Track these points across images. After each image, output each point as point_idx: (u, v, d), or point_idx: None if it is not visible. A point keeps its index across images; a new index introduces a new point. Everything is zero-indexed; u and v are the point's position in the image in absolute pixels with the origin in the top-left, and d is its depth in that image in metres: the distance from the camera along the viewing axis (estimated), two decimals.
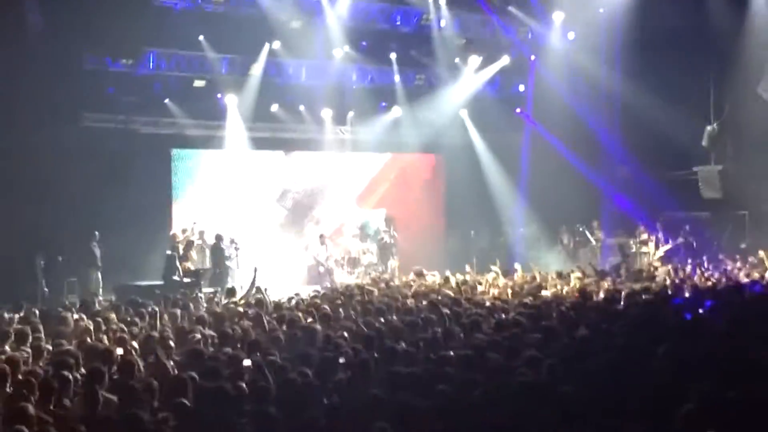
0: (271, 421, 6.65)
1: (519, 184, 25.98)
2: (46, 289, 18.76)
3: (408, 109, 25.69)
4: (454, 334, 10.33)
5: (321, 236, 24.03)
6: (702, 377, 7.04)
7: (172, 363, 9.25)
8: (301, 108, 24.63)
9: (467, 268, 19.74)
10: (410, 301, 14.07)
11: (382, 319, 11.85)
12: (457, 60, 25.47)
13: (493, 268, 18.56)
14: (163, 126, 23.05)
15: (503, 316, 11.94)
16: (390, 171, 27.40)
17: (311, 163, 26.20)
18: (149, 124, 22.81)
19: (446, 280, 17.58)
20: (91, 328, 11.45)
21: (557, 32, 25.07)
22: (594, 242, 24.33)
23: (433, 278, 18.52)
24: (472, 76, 25.83)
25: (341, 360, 8.61)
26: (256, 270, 17.49)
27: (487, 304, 13.63)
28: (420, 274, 18.75)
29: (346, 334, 10.37)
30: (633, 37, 23.04)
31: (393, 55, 24.68)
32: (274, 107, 24.11)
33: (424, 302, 13.60)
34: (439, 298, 14.26)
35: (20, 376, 8.30)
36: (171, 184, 23.91)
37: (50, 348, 10.01)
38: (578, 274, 17.55)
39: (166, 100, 22.71)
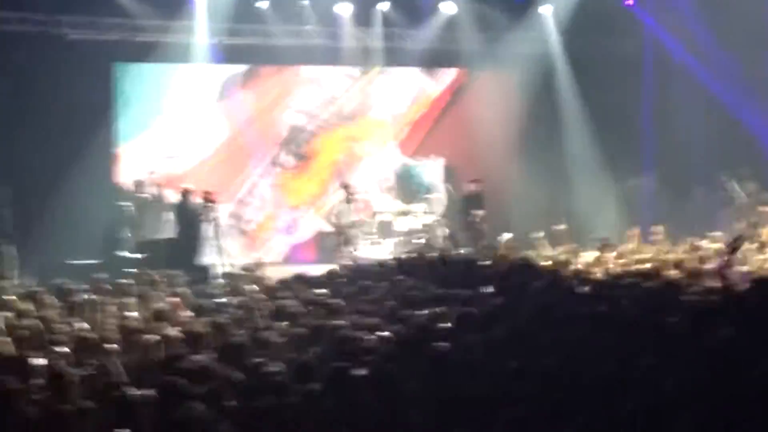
0: None
1: (633, 116, 25.78)
2: None
3: (464, 3, 25.61)
4: None
5: (347, 188, 24.05)
6: None
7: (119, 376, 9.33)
8: (305, 2, 24.62)
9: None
10: None
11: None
12: None
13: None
14: (103, 30, 23.18)
15: None
16: (442, 98, 27.42)
17: (331, 80, 26.29)
18: (81, 26, 22.94)
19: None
20: (2, 325, 11.59)
21: None
22: (744, 198, 24.12)
23: None
24: None
25: (362, 372, 8.65)
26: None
27: None
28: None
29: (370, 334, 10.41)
30: None
31: None
32: (263, 3, 24.10)
33: None
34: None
35: None
36: (114, 115, 24.03)
37: None
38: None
39: None
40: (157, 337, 10.72)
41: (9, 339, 10.93)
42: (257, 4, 24.18)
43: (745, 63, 23.72)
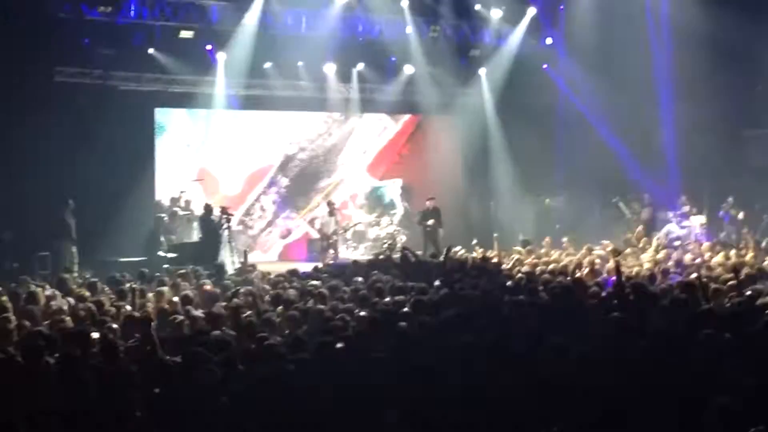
0: (269, 413, 6.71)
1: (547, 150, 25.81)
2: (15, 265, 18.72)
3: (422, 66, 25.58)
4: None
5: (330, 204, 23.93)
6: None
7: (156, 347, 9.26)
8: (300, 63, 24.51)
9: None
10: None
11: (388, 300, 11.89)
12: (477, 7, 25.32)
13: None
14: (146, 82, 23.03)
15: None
16: (403, 135, 27.40)
17: (314, 125, 26.26)
18: (129, 79, 22.77)
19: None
20: (65, 307, 11.51)
21: None
22: (629, 216, 24.19)
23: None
24: (493, 29, 25.78)
25: (339, 345, 8.64)
26: (246, 253, 17.55)
27: None
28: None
29: (347, 317, 10.39)
30: None
31: (404, 3, 24.49)
32: (268, 65, 24.02)
33: None
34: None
35: None
36: (154, 148, 23.89)
37: (18, 329, 10.04)
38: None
39: (150, 50, 22.61)
40: (184, 317, 10.71)
41: (69, 318, 10.88)
42: (264, 65, 24.00)
43: (625, 111, 23.73)
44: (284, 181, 25.89)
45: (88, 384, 7.68)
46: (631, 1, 24.03)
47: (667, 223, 23.25)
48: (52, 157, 20.26)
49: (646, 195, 23.85)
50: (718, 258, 16.26)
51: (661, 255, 17.48)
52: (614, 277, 12.57)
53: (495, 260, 17.31)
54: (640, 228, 22.19)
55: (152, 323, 9.64)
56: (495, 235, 20.23)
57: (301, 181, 26.07)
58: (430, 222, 23.36)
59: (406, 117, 27.38)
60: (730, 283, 12.04)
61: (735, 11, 21.80)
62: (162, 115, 24.22)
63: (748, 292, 11.24)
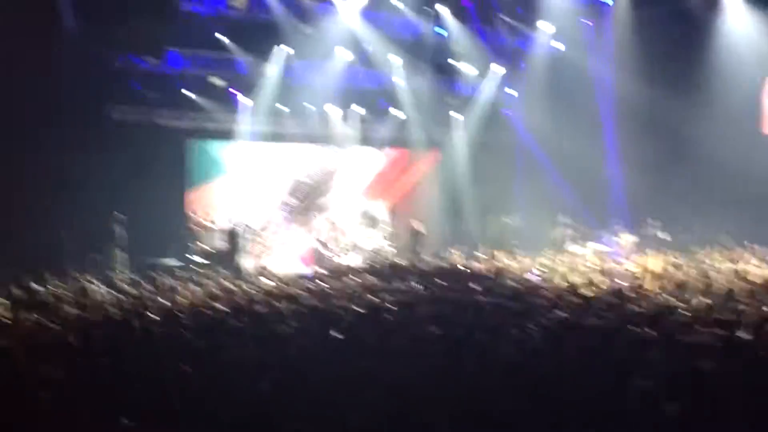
0: (271, 393, 6.69)
1: (508, 180, 25.91)
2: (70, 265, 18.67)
3: (408, 110, 25.67)
4: None
5: (329, 221, 24.05)
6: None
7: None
8: (306, 104, 24.56)
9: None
10: None
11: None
12: (453, 65, 25.48)
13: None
14: (182, 119, 23.12)
15: None
16: (391, 165, 27.45)
17: (320, 156, 26.29)
18: (167, 116, 22.86)
19: None
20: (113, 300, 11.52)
21: (544, 40, 25.05)
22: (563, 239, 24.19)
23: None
24: (467, 81, 25.95)
25: (335, 334, 8.65)
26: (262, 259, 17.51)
27: None
28: None
29: (342, 311, 10.40)
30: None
31: (394, 58, 24.60)
32: (284, 108, 24.06)
33: None
34: None
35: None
36: (189, 172, 23.89)
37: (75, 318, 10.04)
38: None
39: (184, 90, 22.72)
40: (210, 311, 10.72)
41: (116, 310, 10.89)
42: (278, 105, 24.02)
43: (574, 148, 23.83)
44: (293, 202, 25.88)
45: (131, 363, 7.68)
46: (579, 66, 24.23)
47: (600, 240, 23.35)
48: (106, 178, 20.28)
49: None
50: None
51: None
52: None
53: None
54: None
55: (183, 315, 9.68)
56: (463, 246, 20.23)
57: (307, 201, 26.01)
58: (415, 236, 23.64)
59: (397, 151, 27.42)
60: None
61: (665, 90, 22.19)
62: (194, 146, 24.10)
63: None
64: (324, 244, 23.41)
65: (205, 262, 19.59)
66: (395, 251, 23.45)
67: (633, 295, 11.53)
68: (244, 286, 13.56)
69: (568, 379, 6.75)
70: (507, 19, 24.75)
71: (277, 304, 11.25)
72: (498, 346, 7.89)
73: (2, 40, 17.65)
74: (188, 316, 10.08)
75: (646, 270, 15.51)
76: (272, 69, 23.31)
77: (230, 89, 23.31)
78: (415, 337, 8.56)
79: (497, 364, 7.28)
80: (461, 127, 26.87)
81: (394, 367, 7.22)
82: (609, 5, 24.33)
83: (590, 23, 24.77)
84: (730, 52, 22.43)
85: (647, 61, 22.85)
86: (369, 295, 11.90)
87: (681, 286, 12.59)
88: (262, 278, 15.20)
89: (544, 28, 24.57)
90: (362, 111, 25.49)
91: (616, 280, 13.93)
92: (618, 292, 11.59)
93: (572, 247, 22.02)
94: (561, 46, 24.90)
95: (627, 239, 22.91)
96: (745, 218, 20.84)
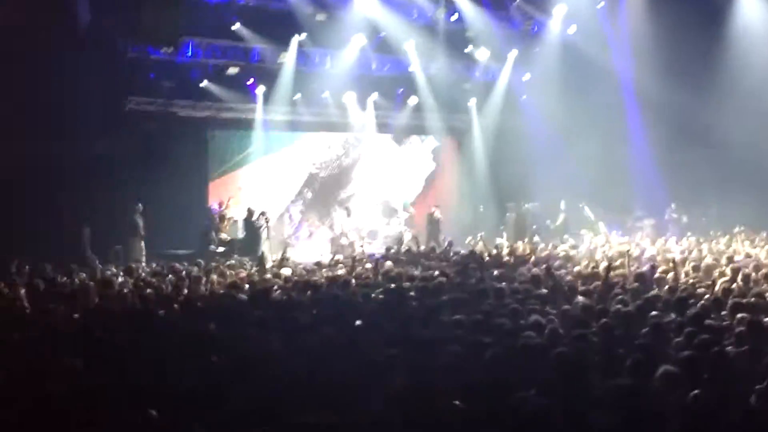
0: (289, 379, 6.72)
1: (525, 167, 25.77)
2: (93, 256, 18.79)
3: (424, 96, 25.59)
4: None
5: (347, 208, 24.07)
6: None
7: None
8: (326, 94, 24.55)
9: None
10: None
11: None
12: (468, 50, 25.38)
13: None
14: (200, 109, 23.09)
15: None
16: (408, 153, 27.41)
17: (336, 144, 26.30)
18: (187, 107, 22.84)
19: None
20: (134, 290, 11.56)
21: (558, 25, 24.89)
22: (593, 218, 24.06)
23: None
24: (482, 67, 25.88)
25: (358, 322, 8.66)
26: (286, 248, 17.48)
27: None
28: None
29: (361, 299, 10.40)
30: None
31: (410, 45, 24.49)
32: (297, 96, 24.01)
33: None
34: None
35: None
36: (207, 163, 23.92)
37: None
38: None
39: (203, 83, 22.67)
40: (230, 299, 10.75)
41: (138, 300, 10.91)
42: (294, 97, 24.02)
43: (593, 131, 23.74)
44: (309, 194, 25.89)
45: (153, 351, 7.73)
46: (593, 52, 24.06)
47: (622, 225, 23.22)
48: (124, 169, 20.37)
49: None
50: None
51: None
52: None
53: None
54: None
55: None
56: (481, 234, 20.13)
57: (322, 193, 26.01)
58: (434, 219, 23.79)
59: (411, 138, 27.38)
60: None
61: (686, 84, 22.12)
62: (212, 136, 24.16)
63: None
64: (343, 232, 23.45)
65: (225, 250, 19.67)
66: (414, 237, 23.47)
67: None
68: (266, 275, 13.57)
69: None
70: (520, 3, 24.59)
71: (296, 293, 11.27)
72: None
73: (18, 35, 17.78)
74: (210, 306, 10.11)
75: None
76: (288, 57, 23.27)
77: (246, 78, 23.26)
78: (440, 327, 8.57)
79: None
80: (479, 114, 26.78)
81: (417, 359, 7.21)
82: None
83: (604, 4, 24.57)
84: (747, 37, 22.27)
85: (663, 46, 22.72)
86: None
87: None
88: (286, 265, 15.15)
89: (559, 11, 24.41)
90: (379, 98, 25.43)
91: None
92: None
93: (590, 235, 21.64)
94: (574, 29, 24.80)
95: (649, 223, 22.90)
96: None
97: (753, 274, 11.96)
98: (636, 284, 11.06)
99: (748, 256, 15.60)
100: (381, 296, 10.63)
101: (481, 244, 18.29)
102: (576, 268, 13.77)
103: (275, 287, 11.72)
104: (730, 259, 14.16)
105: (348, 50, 23.71)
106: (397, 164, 27.15)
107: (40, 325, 8.70)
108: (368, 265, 14.60)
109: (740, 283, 11.14)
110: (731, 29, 22.77)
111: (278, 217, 24.62)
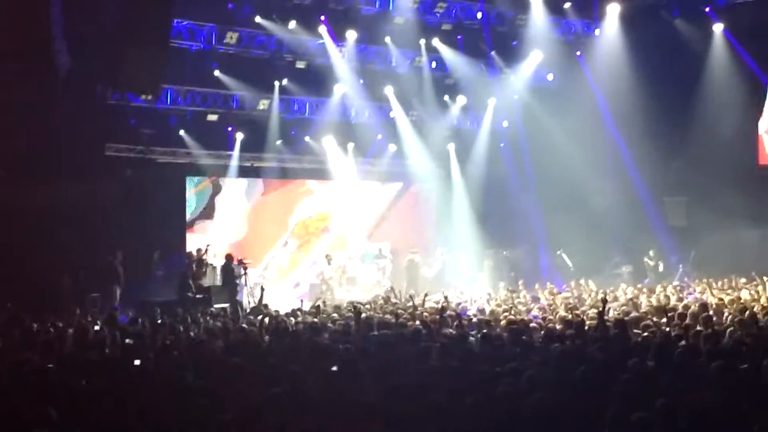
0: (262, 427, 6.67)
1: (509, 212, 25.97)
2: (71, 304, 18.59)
3: (402, 143, 25.83)
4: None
5: (327, 255, 24.07)
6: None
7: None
8: (307, 138, 24.70)
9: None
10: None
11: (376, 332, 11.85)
12: (446, 98, 25.68)
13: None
14: (179, 156, 23.15)
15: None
16: (388, 200, 27.58)
17: (317, 191, 26.38)
18: (166, 153, 22.91)
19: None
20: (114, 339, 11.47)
21: (535, 73, 25.29)
22: (571, 266, 24.22)
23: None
24: (458, 113, 26.24)
25: (334, 368, 8.61)
26: (263, 289, 17.44)
27: None
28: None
29: (341, 346, 10.35)
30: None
31: (390, 91, 24.76)
32: (278, 142, 24.17)
33: None
34: None
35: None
36: (185, 209, 23.92)
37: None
38: None
39: (181, 132, 22.78)
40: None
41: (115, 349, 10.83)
42: (277, 143, 24.14)
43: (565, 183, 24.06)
44: (295, 243, 25.91)
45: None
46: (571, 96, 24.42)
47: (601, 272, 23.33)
48: (103, 216, 20.31)
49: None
50: (644, 299, 16.19)
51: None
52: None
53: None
54: None
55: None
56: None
57: (308, 240, 26.05)
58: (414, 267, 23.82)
59: (391, 185, 27.51)
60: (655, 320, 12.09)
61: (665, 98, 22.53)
62: (191, 182, 24.12)
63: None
64: (323, 280, 23.43)
65: (202, 297, 19.53)
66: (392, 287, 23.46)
67: None
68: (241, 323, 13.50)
69: None
70: (495, 55, 24.92)
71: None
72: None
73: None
74: (187, 355, 10.04)
75: None
76: (268, 104, 23.42)
77: (225, 125, 23.37)
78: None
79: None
80: (458, 160, 27.03)
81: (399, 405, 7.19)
82: (596, 36, 24.53)
83: (578, 54, 25.01)
84: (721, 82, 22.62)
85: (638, 93, 22.99)
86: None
87: None
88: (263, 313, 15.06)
89: (534, 58, 24.73)
90: (360, 146, 25.63)
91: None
92: None
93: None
94: (550, 77, 25.26)
95: (627, 270, 23.10)
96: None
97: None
98: (615, 330, 11.07)
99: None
100: (359, 343, 10.59)
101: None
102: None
103: (252, 333, 11.68)
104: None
105: (329, 97, 23.92)
106: (376, 210, 27.22)
107: (15, 374, 8.60)
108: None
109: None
110: (705, 83, 23.01)
111: (264, 267, 24.57)
